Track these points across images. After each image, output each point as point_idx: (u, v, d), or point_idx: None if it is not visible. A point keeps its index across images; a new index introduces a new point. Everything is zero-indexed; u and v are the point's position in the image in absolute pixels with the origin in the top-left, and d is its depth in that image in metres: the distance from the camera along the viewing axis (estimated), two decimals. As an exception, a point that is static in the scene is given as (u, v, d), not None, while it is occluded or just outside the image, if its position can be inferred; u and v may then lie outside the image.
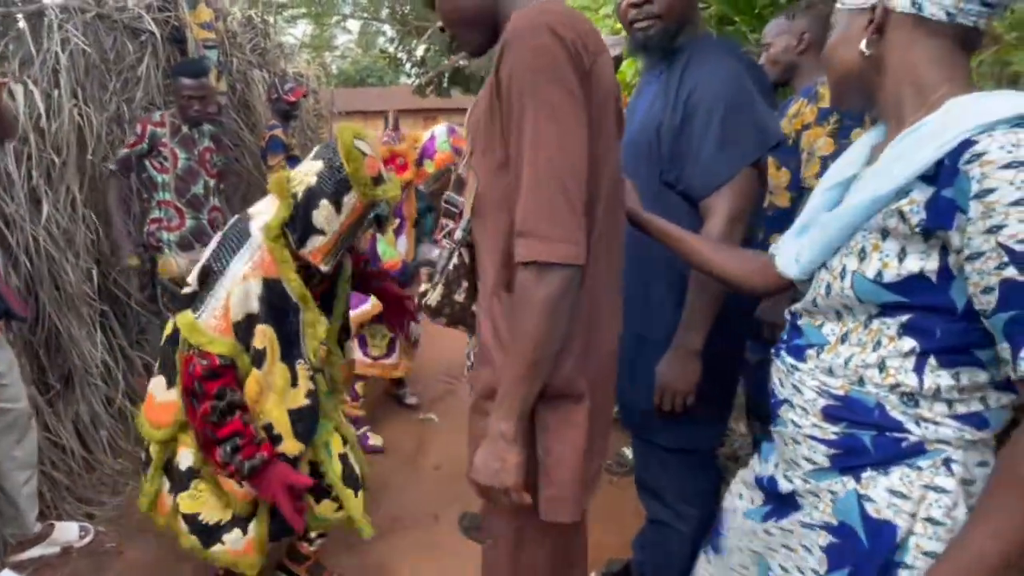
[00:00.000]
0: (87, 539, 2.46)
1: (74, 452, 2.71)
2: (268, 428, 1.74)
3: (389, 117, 4.52)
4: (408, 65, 15.14)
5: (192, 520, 1.81)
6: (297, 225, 1.67)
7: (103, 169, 3.06)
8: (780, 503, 1.10)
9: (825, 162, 1.73)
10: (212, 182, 3.12)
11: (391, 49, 15.65)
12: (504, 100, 1.06)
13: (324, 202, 1.63)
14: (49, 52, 2.82)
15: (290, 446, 1.76)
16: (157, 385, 1.83)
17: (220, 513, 1.80)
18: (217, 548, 1.80)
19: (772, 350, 1.14)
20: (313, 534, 2.11)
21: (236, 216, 1.80)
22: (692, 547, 1.57)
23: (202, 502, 1.80)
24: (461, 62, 12.69)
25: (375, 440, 3.14)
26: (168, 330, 1.82)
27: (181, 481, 1.81)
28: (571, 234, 1.04)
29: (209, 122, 3.14)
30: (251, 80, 4.57)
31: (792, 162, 1.91)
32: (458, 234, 1.28)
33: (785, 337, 1.12)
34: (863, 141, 1.07)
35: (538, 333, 1.06)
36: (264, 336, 1.68)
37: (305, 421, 1.80)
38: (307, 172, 1.67)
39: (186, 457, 1.80)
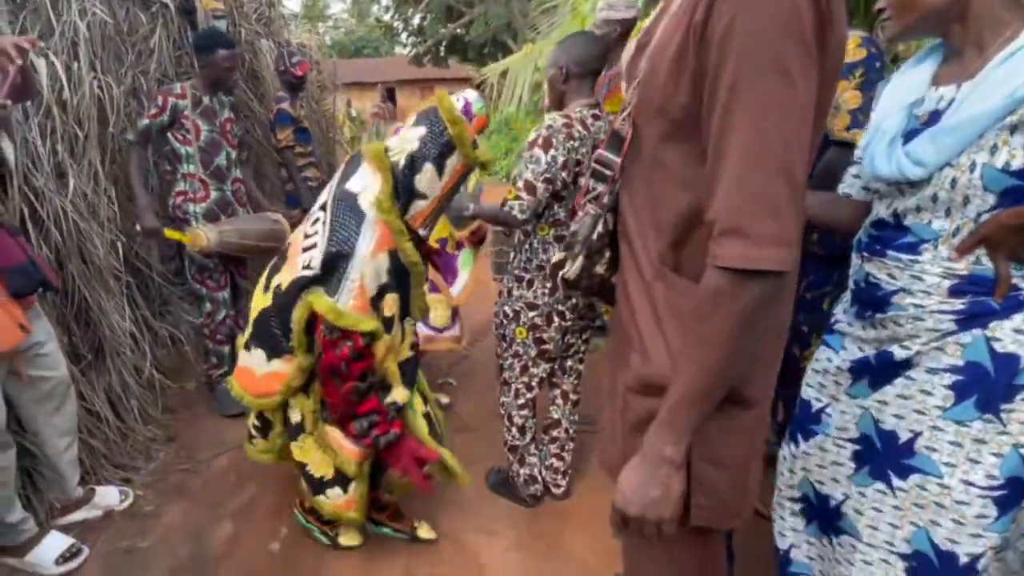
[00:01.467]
0: (127, 502, 2.54)
1: (108, 420, 2.78)
2: (382, 381, 1.96)
3: (380, 90, 4.49)
4: (404, 35, 14.92)
5: (301, 468, 2.05)
6: (400, 192, 1.76)
7: (122, 142, 3.07)
8: (886, 372, 1.32)
9: (854, 115, 1.83)
10: (234, 153, 3.13)
11: (386, 18, 15.41)
12: (713, 52, 0.85)
13: (428, 166, 1.71)
14: (68, 24, 2.81)
15: (400, 394, 1.97)
16: (255, 359, 1.97)
17: (324, 469, 2.00)
18: (320, 498, 2.04)
19: (863, 253, 1.34)
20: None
21: (340, 192, 1.85)
22: None
23: (309, 455, 2.01)
24: (459, 30, 12.53)
25: None
26: (262, 304, 1.95)
27: (291, 432, 2.04)
28: (787, 233, 0.84)
29: (228, 92, 3.15)
30: (258, 50, 4.54)
31: None
32: (607, 199, 1.15)
33: (879, 239, 1.31)
34: (915, 73, 1.29)
35: (730, 345, 0.89)
36: (393, 304, 1.86)
37: (410, 371, 2.06)
38: (407, 139, 1.75)
39: (295, 413, 2.00)
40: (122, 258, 2.99)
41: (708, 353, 0.90)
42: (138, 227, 3.00)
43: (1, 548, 2.16)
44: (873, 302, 1.34)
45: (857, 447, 1.38)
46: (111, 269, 2.87)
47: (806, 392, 1.52)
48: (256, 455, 2.18)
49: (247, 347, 2.00)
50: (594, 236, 1.15)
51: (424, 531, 2.33)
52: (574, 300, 2.25)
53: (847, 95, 1.84)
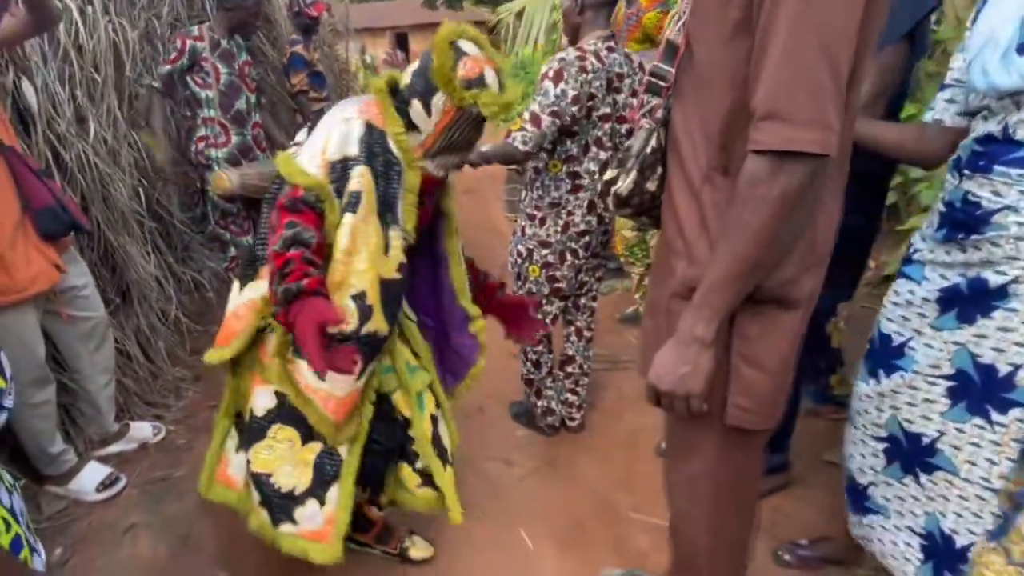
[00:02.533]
0: (160, 436, 2.66)
1: (138, 360, 2.89)
2: (361, 296, 1.51)
3: (389, 36, 4.39)
4: (417, -24, 14.54)
5: (264, 483, 1.59)
6: (400, 118, 1.57)
7: (138, 89, 3.10)
8: (981, 300, 1.30)
9: None
10: (253, 97, 3.14)
11: (399, -41, 14.99)
12: None
13: (415, 102, 1.55)
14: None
15: (379, 321, 1.54)
16: (232, 298, 1.67)
17: (295, 477, 1.59)
18: (287, 528, 1.59)
19: (963, 171, 1.31)
20: (384, 499, 1.87)
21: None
22: None
23: (278, 456, 1.60)
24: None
25: None
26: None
27: (256, 430, 1.62)
28: (826, 117, 0.87)
29: (245, 37, 3.14)
30: (271, -6, 4.49)
31: None
32: (660, 112, 1.15)
33: (984, 155, 1.27)
34: None
35: (765, 232, 0.92)
36: (362, 179, 1.50)
37: (393, 300, 1.60)
38: (406, 74, 1.59)
39: (263, 396, 1.61)
40: (144, 204, 3.04)
41: (742, 238, 0.93)
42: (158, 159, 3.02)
43: (45, 477, 2.29)
44: (969, 223, 1.30)
45: (952, 383, 1.37)
46: (135, 214, 2.93)
47: (886, 327, 1.51)
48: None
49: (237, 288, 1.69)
50: (647, 150, 1.16)
51: (417, 551, 2.00)
52: (587, 238, 2.27)
53: None
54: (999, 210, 1.25)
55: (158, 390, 2.95)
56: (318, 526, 1.59)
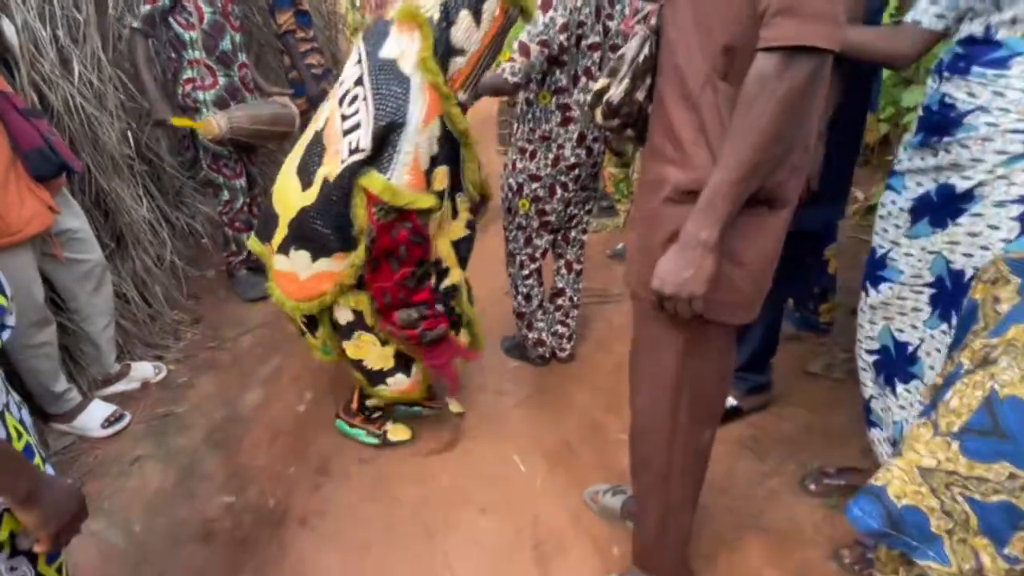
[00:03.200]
0: (161, 375, 2.72)
1: (136, 303, 2.93)
2: (437, 262, 1.83)
3: None
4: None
5: (358, 364, 1.98)
6: (437, 51, 1.57)
7: (122, 30, 3.05)
8: (948, 206, 1.33)
9: None
10: (238, 36, 3.09)
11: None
12: None
13: (463, 13, 1.53)
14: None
15: (456, 275, 1.89)
16: (298, 262, 1.78)
17: (383, 361, 1.95)
18: (381, 388, 2.03)
19: (943, 72, 1.32)
20: None
21: (375, 63, 1.62)
22: None
23: (365, 351, 1.93)
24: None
25: None
26: (300, 202, 1.71)
27: (343, 333, 1.92)
28: (836, 11, 0.91)
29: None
30: (252, -69, 4.37)
31: None
32: (655, 20, 1.16)
33: (964, 56, 1.29)
34: None
35: (772, 130, 0.95)
36: (444, 177, 1.69)
37: (465, 250, 1.93)
38: None
39: (343, 314, 1.86)
40: (133, 148, 3.03)
41: (750, 140, 0.96)
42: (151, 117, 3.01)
43: (51, 416, 2.36)
44: (943, 125, 1.32)
45: (933, 290, 1.41)
46: (125, 158, 2.92)
47: (873, 239, 1.55)
48: (313, 350, 2.06)
49: (283, 251, 1.80)
50: (640, 58, 1.17)
51: (455, 405, 2.39)
52: (577, 171, 2.29)
53: None
54: (972, 111, 1.27)
55: (157, 332, 3.00)
56: (408, 386, 2.04)
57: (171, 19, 2.90)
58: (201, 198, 3.77)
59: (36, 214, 2.04)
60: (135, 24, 2.85)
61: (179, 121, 2.96)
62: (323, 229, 1.71)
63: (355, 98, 1.64)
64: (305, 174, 1.74)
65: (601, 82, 1.25)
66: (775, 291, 1.33)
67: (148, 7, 2.85)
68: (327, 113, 1.74)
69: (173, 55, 3.01)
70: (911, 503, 0.86)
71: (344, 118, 1.66)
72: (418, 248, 1.67)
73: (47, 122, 2.18)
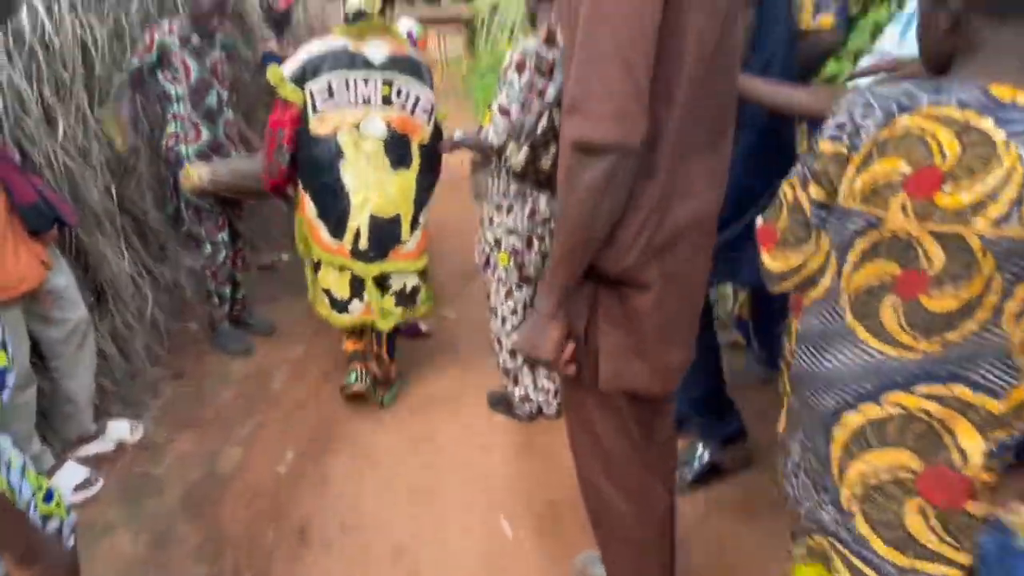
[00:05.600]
0: (138, 434, 2.64)
1: (115, 360, 2.87)
2: None
3: None
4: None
5: (329, 294, 2.53)
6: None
7: (109, 85, 3.06)
8: None
9: (816, 2, 1.83)
10: (225, 93, 3.11)
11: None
12: None
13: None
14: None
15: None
16: (410, 239, 2.52)
17: (343, 292, 2.50)
18: (345, 316, 2.53)
19: None
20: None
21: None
22: None
23: (330, 280, 2.49)
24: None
25: (425, 326, 3.41)
26: (411, 180, 2.46)
27: (315, 267, 2.57)
28: (624, 111, 0.93)
29: (203, 33, 3.10)
30: (243, -10, 4.45)
31: None
32: (551, 93, 1.20)
33: None
34: None
35: (578, 218, 1.00)
36: None
37: None
38: None
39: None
40: (116, 202, 3.01)
41: (565, 222, 1.02)
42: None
43: (22, 478, 2.28)
44: None
45: None
46: (107, 213, 2.90)
47: None
48: (354, 320, 2.58)
49: (413, 230, 2.51)
50: (538, 130, 1.24)
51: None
52: (553, 224, 2.30)
53: None
54: None
55: (136, 389, 2.94)
56: (361, 311, 2.54)
57: (158, 73, 2.93)
58: (185, 251, 3.74)
59: (31, 269, 2.02)
60: (123, 75, 2.88)
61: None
62: (428, 182, 2.51)
63: (399, 91, 2.34)
64: (399, 161, 2.40)
65: (510, 146, 1.32)
66: (702, 336, 1.38)
67: (136, 61, 2.87)
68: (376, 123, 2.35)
69: (159, 110, 3.03)
70: None
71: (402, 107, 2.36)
72: None
73: (39, 178, 2.18)
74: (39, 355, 2.34)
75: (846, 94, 0.94)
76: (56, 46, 2.74)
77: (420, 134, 2.38)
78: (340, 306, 2.55)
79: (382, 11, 2.49)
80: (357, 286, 2.50)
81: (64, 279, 2.28)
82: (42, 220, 2.06)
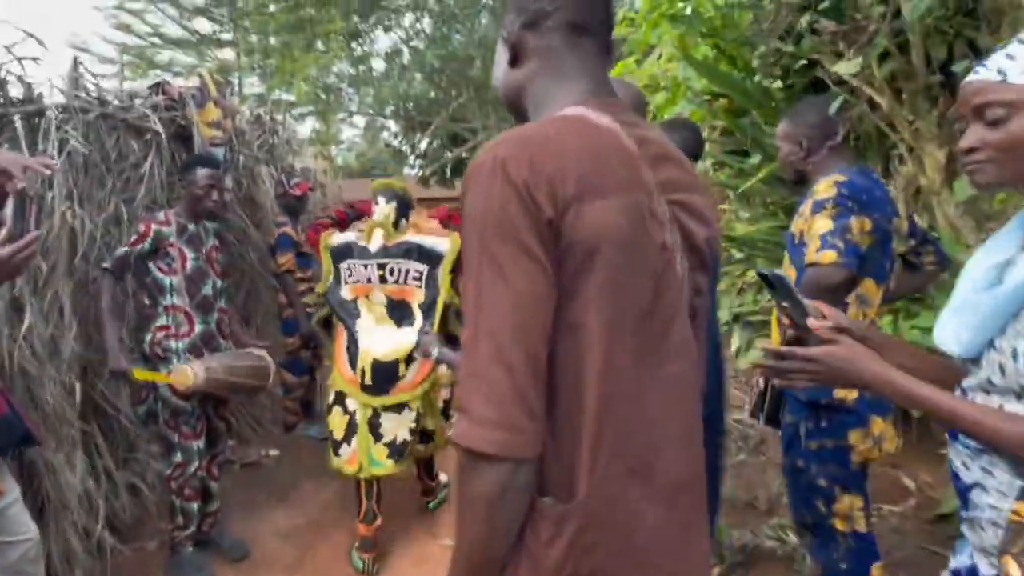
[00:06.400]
0: None
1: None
2: None
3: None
4: (412, 157, 15.38)
5: (331, 435, 2.85)
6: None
7: (94, 272, 2.84)
8: None
9: (823, 238, 1.81)
10: (219, 282, 2.89)
11: (395, 143, 15.95)
12: (463, 243, 0.89)
13: None
14: (45, 154, 2.66)
15: None
16: (413, 367, 2.80)
17: (339, 433, 2.81)
18: (336, 460, 2.81)
19: (948, 435, 1.09)
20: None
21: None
22: None
23: (335, 422, 2.83)
24: (464, 154, 12.90)
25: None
26: (404, 348, 2.74)
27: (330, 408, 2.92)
28: (507, 419, 0.81)
29: (212, 219, 2.95)
30: (257, 176, 4.47)
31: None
32: None
33: None
34: (1016, 224, 1.04)
35: (475, 536, 0.86)
36: None
37: None
38: None
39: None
40: (79, 402, 2.65)
41: (459, 539, 0.88)
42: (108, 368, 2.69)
43: None
44: (961, 495, 1.08)
45: None
46: (64, 418, 2.53)
47: None
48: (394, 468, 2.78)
49: (408, 367, 2.79)
50: None
51: None
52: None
53: (819, 223, 1.85)
54: (972, 487, 1.04)
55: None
56: (348, 456, 2.79)
57: (151, 264, 2.70)
58: (155, 451, 3.32)
59: None
60: (105, 264, 2.63)
61: (142, 374, 2.61)
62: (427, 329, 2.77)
63: (392, 270, 2.82)
64: (403, 320, 2.82)
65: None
66: None
67: (124, 249, 2.65)
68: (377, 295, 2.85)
69: (147, 301, 2.77)
70: None
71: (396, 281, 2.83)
72: None
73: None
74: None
75: None
76: (41, 236, 2.53)
77: (417, 297, 2.83)
78: (335, 447, 2.84)
79: (396, 222, 2.85)
80: (350, 431, 2.82)
81: (13, 493, 1.88)
82: (9, 438, 1.76)
